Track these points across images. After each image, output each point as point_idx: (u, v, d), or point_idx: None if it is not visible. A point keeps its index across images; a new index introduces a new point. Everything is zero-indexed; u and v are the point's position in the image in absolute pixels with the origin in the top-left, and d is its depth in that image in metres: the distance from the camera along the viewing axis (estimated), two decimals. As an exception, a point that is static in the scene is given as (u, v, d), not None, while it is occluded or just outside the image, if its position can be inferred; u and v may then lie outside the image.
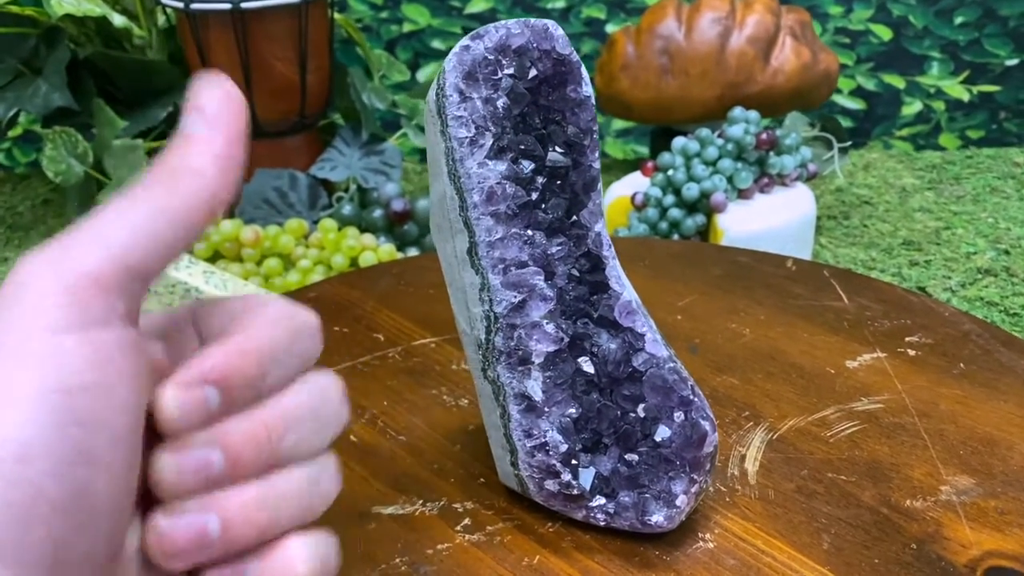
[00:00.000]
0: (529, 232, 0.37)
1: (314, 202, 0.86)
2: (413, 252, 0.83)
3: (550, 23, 0.37)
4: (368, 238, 0.80)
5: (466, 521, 0.41)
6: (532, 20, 0.37)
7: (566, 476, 0.38)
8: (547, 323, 0.37)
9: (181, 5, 0.79)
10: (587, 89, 0.37)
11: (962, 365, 0.51)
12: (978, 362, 0.51)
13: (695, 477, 0.37)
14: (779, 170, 0.80)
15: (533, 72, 0.37)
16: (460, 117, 0.36)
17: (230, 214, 0.87)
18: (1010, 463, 0.43)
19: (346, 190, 0.88)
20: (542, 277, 0.37)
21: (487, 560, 0.39)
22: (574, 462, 0.38)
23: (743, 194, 0.80)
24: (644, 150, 1.16)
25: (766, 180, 0.81)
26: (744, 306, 0.57)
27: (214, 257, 0.82)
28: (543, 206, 0.38)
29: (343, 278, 0.65)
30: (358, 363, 0.54)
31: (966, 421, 0.47)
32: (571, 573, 0.38)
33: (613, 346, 0.38)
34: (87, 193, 0.84)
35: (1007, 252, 0.82)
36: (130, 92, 0.88)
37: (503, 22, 0.37)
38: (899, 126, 1.17)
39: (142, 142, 0.79)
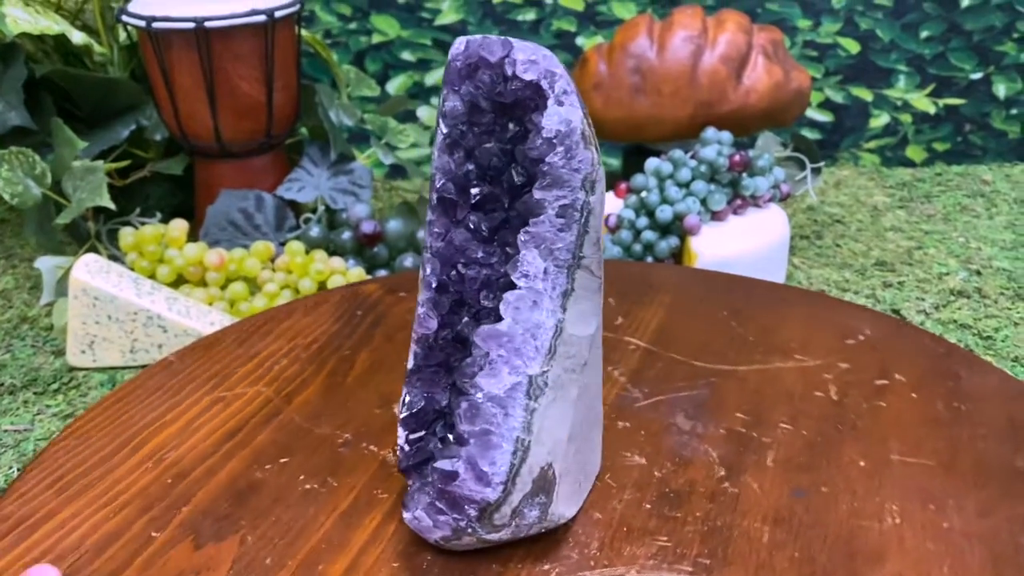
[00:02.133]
0: (447, 226, 0.40)
1: (281, 224, 0.84)
2: (383, 275, 0.82)
3: (523, 47, 0.37)
4: (337, 261, 0.78)
5: (393, 459, 0.48)
6: (515, 41, 0.38)
7: (400, 439, 0.41)
8: (421, 307, 0.41)
9: (142, 23, 0.77)
10: (546, 122, 0.37)
11: None
12: None
13: (440, 506, 0.38)
14: (752, 192, 0.80)
15: (500, 89, 0.38)
16: (441, 108, 0.40)
17: (194, 237, 0.85)
18: None
19: (314, 211, 0.86)
20: (431, 267, 0.40)
21: (365, 473, 0.47)
22: (417, 436, 0.40)
23: (717, 216, 0.79)
24: (615, 162, 1.15)
25: (739, 202, 0.80)
26: (957, 506, 0.45)
27: (177, 282, 0.80)
28: (485, 212, 0.40)
29: None
30: None
31: None
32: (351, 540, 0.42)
33: (472, 360, 0.39)
34: (45, 215, 0.81)
35: (979, 273, 0.82)
36: (91, 111, 0.86)
37: (482, 36, 0.38)
38: (867, 138, 1.17)
39: (102, 163, 0.77)
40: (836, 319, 0.61)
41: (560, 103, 0.37)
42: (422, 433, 0.41)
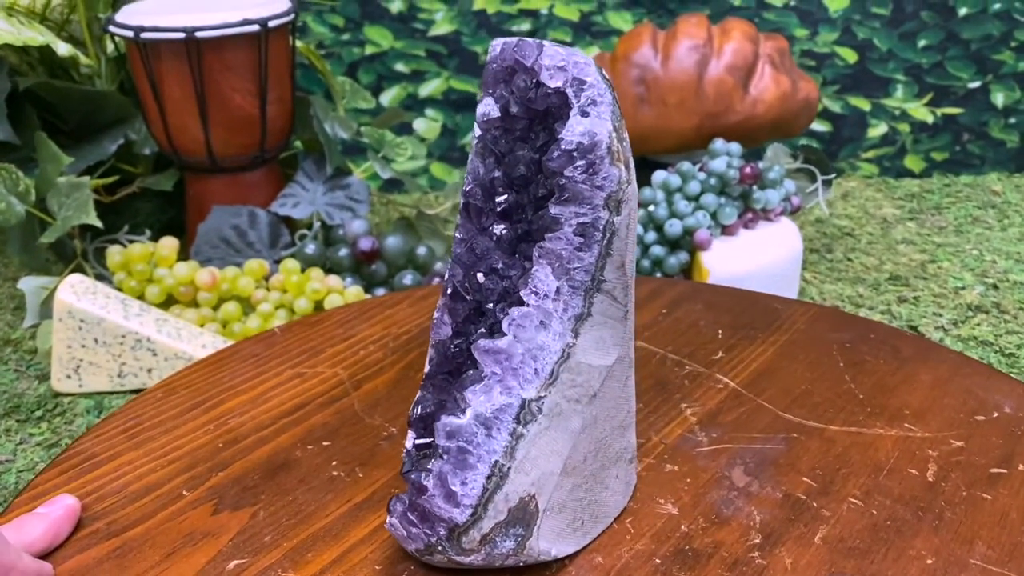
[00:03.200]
0: (472, 232, 0.38)
1: (275, 241, 0.81)
2: (381, 294, 0.79)
3: (552, 51, 0.35)
4: (333, 279, 0.76)
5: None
6: (547, 44, 0.36)
7: (408, 442, 0.39)
8: (438, 312, 0.39)
9: (131, 34, 0.74)
10: (567, 133, 0.35)
11: None
12: None
13: (412, 517, 0.37)
14: (763, 205, 0.78)
15: (531, 94, 0.36)
16: (479, 111, 0.38)
17: (184, 255, 0.82)
18: None
19: (309, 227, 0.83)
20: (451, 272, 0.39)
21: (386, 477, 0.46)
22: (418, 440, 0.39)
23: (727, 230, 0.77)
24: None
25: (750, 215, 0.78)
26: (993, 561, 0.40)
27: (167, 302, 0.77)
28: (512, 221, 0.38)
29: None
30: None
31: None
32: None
33: (472, 372, 0.37)
34: (29, 234, 0.78)
35: (995, 287, 0.81)
36: (77, 124, 0.83)
37: (518, 39, 0.36)
38: (865, 148, 1.16)
39: (88, 179, 0.74)
40: (973, 388, 0.52)
41: (585, 114, 0.35)
42: (429, 440, 0.39)
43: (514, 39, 0.37)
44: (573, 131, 0.35)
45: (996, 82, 1.13)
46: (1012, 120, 1.15)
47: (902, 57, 1.13)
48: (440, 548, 0.36)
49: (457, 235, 0.39)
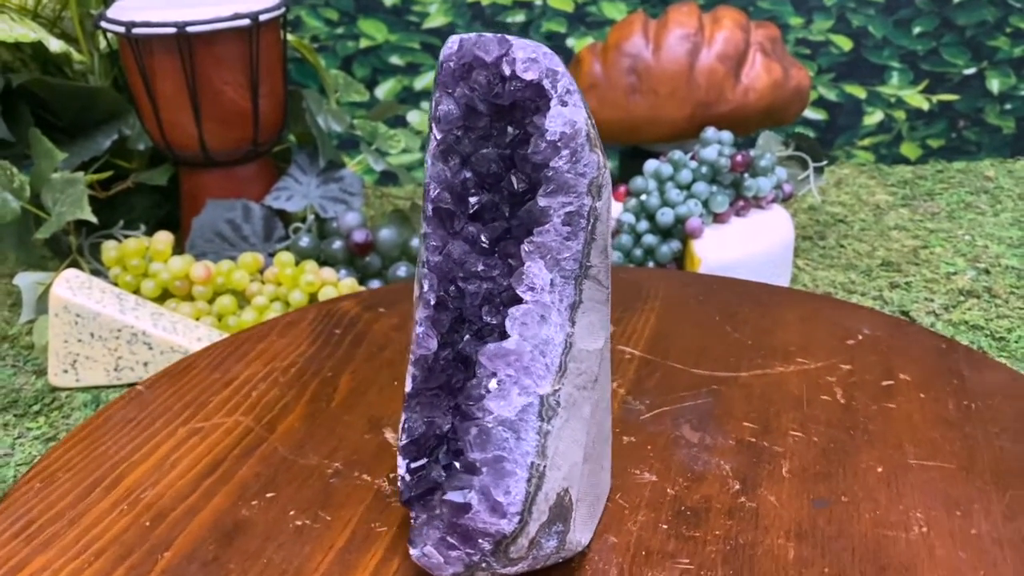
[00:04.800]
0: (444, 239, 0.38)
1: (270, 234, 0.81)
2: (376, 286, 0.79)
3: (522, 44, 0.35)
4: (328, 272, 0.76)
5: (393, 473, 0.46)
6: (513, 38, 0.35)
7: (400, 468, 0.38)
8: (420, 326, 0.38)
9: (122, 29, 0.74)
10: (549, 123, 0.35)
11: None
12: None
13: (453, 542, 0.35)
14: (755, 192, 0.78)
15: (498, 90, 0.36)
16: (433, 112, 0.37)
17: (179, 249, 0.82)
18: None
19: (303, 220, 0.83)
20: (430, 283, 0.38)
21: (363, 505, 0.43)
22: (418, 465, 0.38)
23: (719, 218, 0.77)
24: (611, 164, 1.13)
25: (742, 203, 0.78)
26: (982, 510, 0.43)
27: (163, 296, 0.77)
28: (484, 222, 0.37)
29: None
30: None
31: None
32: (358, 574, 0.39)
33: (477, 382, 0.37)
34: (24, 230, 0.78)
35: (987, 272, 0.81)
36: (71, 120, 0.83)
37: (477, 35, 0.36)
38: (861, 136, 1.16)
39: (83, 175, 0.74)
40: (834, 319, 0.60)
41: (564, 103, 0.35)
42: (424, 461, 0.38)
43: (472, 35, 0.36)
44: (556, 121, 0.35)
45: (991, 68, 1.13)
46: (1008, 106, 1.15)
47: (897, 44, 1.13)
48: (484, 564, 0.36)
49: (429, 244, 0.38)
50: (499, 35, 0.36)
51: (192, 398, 0.53)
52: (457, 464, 0.37)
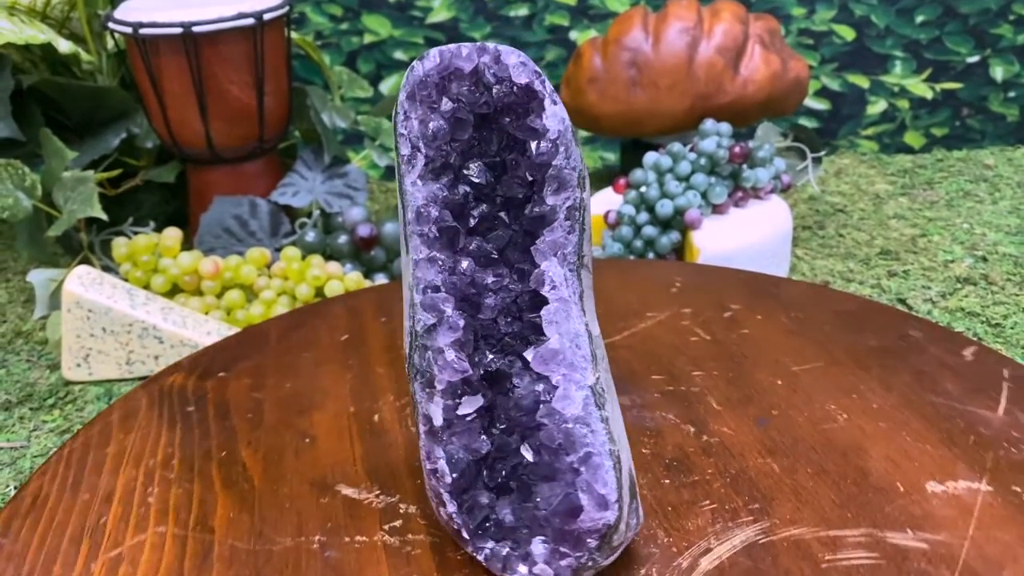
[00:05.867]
0: (454, 258, 0.37)
1: (276, 229, 0.83)
2: (381, 279, 0.81)
3: (504, 50, 0.36)
4: (334, 266, 0.77)
5: (397, 523, 0.42)
6: (490, 45, 0.36)
7: (451, 507, 0.38)
8: (450, 351, 0.37)
9: (129, 30, 0.76)
10: (549, 122, 0.36)
11: None
12: None
13: (564, 551, 0.35)
14: (753, 183, 0.79)
15: (485, 98, 0.36)
16: (402, 135, 0.37)
17: (188, 245, 0.84)
18: None
19: (309, 216, 0.85)
20: (452, 305, 0.37)
21: (383, 565, 0.40)
22: (466, 497, 0.37)
23: (718, 209, 0.78)
24: (612, 156, 1.14)
25: (740, 194, 0.79)
26: (867, 390, 0.50)
27: (173, 291, 0.79)
28: (485, 234, 0.37)
29: None
30: None
31: None
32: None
33: (527, 392, 0.36)
34: (36, 228, 0.80)
35: (984, 259, 0.81)
36: (80, 120, 0.85)
37: (455, 45, 0.36)
38: (864, 125, 1.16)
39: (93, 173, 0.76)
40: (648, 276, 0.66)
41: (554, 102, 0.36)
42: (470, 492, 0.38)
43: (450, 46, 0.36)
44: (553, 120, 0.36)
45: (995, 56, 1.14)
46: (1012, 94, 1.15)
47: (900, 33, 1.13)
48: (591, 562, 0.36)
49: (434, 267, 0.37)
50: (474, 43, 0.36)
51: (78, 527, 0.44)
52: (523, 478, 0.36)
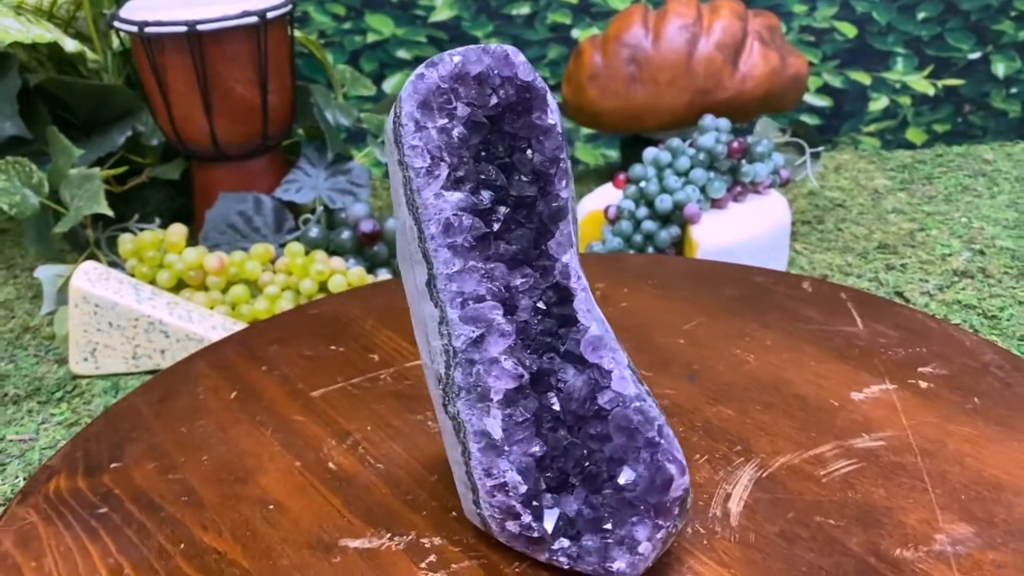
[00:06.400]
0: (489, 265, 0.36)
1: (280, 225, 0.84)
2: (384, 274, 0.82)
3: (510, 49, 0.36)
4: (337, 261, 0.78)
5: (431, 558, 0.40)
6: (492, 46, 0.36)
7: (526, 518, 0.37)
8: (505, 359, 0.36)
9: (134, 29, 0.77)
10: (553, 117, 0.36)
11: (976, 400, 0.47)
12: (995, 397, 0.47)
13: (660, 523, 0.36)
14: (752, 178, 0.80)
15: (494, 99, 0.35)
16: (416, 147, 0.35)
17: (193, 241, 0.85)
18: (1015, 511, 0.40)
19: (313, 212, 0.86)
20: (501, 312, 0.36)
21: None
22: (536, 503, 0.37)
23: (717, 204, 0.79)
24: (614, 154, 1.15)
25: (739, 189, 0.80)
26: (752, 330, 0.55)
27: (178, 287, 0.80)
28: (506, 237, 0.36)
29: (349, 294, 0.64)
30: (349, 384, 0.53)
31: (973, 463, 0.43)
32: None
33: (579, 383, 0.36)
34: (44, 225, 0.81)
35: (982, 252, 0.82)
36: (86, 118, 0.86)
37: (460, 49, 0.36)
38: (866, 122, 1.17)
39: (99, 170, 0.77)
40: (600, 266, 0.67)
41: (552, 97, 0.37)
42: (539, 497, 0.37)
43: (456, 51, 0.36)
44: (556, 115, 0.36)
45: (996, 52, 1.14)
46: (1013, 90, 1.15)
47: (902, 30, 1.13)
48: (674, 529, 0.37)
49: (473, 279, 0.36)
50: (476, 46, 0.36)
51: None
52: (590, 470, 0.36)
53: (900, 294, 0.76)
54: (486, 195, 0.36)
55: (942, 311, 0.73)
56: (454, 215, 0.36)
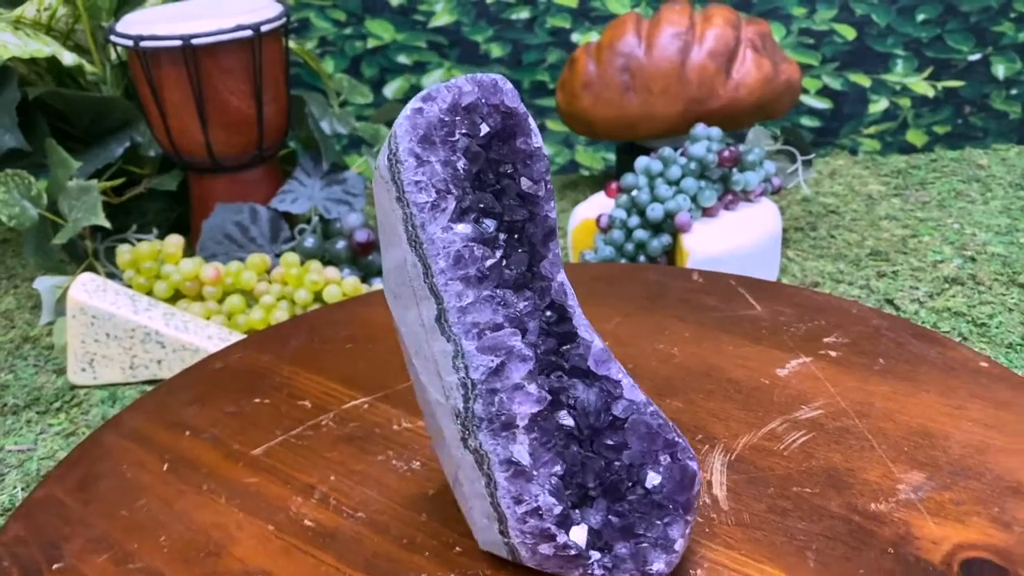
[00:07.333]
0: (499, 292, 0.36)
1: (276, 235, 0.85)
2: (379, 283, 0.82)
3: (498, 78, 0.36)
4: (332, 271, 0.79)
5: None
6: (480, 76, 0.36)
7: (562, 538, 0.36)
8: (528, 384, 0.36)
9: (130, 43, 0.78)
10: (537, 140, 0.37)
11: (882, 361, 0.52)
12: (895, 356, 0.52)
13: (688, 518, 0.37)
14: (743, 186, 0.80)
15: (484, 128, 0.36)
16: (419, 182, 0.35)
17: (190, 252, 0.86)
18: (950, 452, 0.45)
19: (308, 222, 0.87)
20: (519, 337, 0.36)
21: None
22: (568, 522, 0.37)
23: (708, 212, 0.79)
24: (613, 156, 1.15)
25: (730, 197, 0.80)
26: (669, 324, 0.58)
27: (175, 297, 0.81)
28: (505, 263, 0.37)
29: (250, 342, 0.60)
30: (290, 436, 0.50)
31: (901, 417, 0.47)
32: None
33: (591, 396, 0.37)
34: (43, 236, 0.82)
35: (973, 259, 0.82)
36: (85, 130, 0.87)
37: (452, 81, 0.36)
38: (866, 124, 1.16)
39: (96, 182, 0.78)
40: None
41: (532, 120, 0.37)
42: (568, 516, 0.37)
43: (449, 83, 0.36)
44: (539, 138, 0.37)
45: (996, 54, 1.14)
46: (1014, 91, 1.15)
47: (901, 32, 1.13)
48: (689, 530, 0.37)
49: (489, 308, 0.36)
50: (466, 76, 0.36)
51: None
52: (611, 479, 0.37)
53: (890, 301, 0.76)
54: (489, 223, 0.36)
55: (931, 319, 0.73)
56: (464, 247, 0.35)
